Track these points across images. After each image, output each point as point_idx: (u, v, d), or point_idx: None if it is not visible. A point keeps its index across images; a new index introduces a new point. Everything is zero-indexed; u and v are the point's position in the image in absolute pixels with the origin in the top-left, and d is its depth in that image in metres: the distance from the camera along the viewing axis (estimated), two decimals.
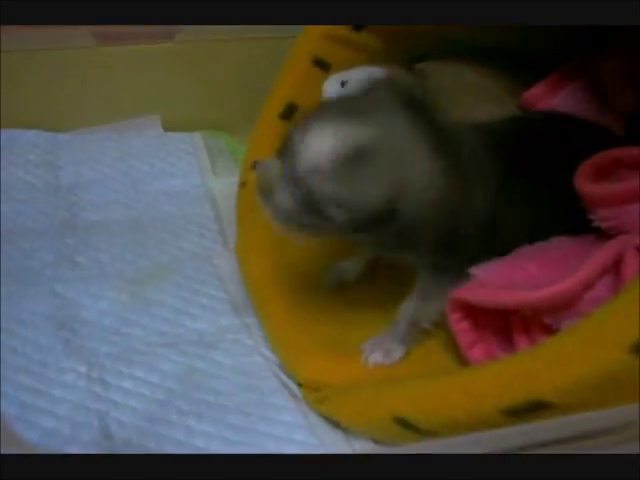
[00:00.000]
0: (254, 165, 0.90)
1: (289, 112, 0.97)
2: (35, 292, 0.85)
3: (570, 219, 0.73)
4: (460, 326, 0.70)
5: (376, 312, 0.80)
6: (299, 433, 0.71)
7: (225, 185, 1.08)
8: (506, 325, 0.72)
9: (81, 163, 1.12)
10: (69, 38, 1.11)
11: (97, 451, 0.67)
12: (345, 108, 0.65)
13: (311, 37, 0.99)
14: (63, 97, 1.16)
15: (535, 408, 0.55)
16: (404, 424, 0.63)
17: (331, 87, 0.95)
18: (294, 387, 0.76)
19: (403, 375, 0.71)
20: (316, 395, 0.73)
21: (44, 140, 1.15)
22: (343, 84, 0.94)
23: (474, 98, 0.98)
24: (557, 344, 0.58)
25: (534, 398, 0.55)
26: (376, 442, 0.70)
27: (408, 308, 0.74)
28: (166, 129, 1.20)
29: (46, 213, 1.03)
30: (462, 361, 0.72)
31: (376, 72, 0.93)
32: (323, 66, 0.99)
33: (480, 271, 0.69)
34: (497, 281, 0.68)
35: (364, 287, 0.85)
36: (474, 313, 0.70)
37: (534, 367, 0.57)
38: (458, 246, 0.70)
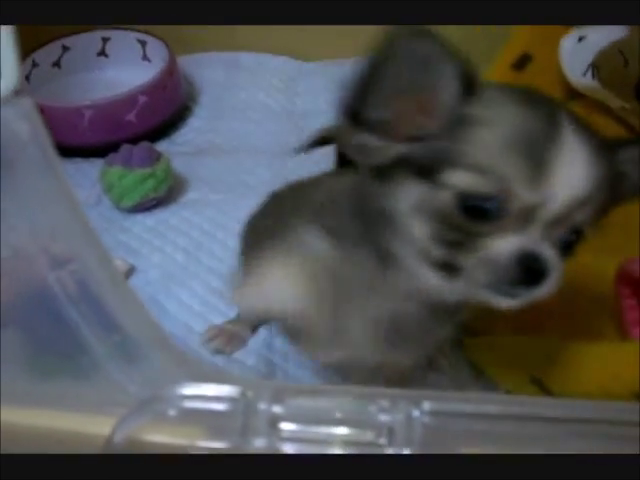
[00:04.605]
0: None
1: (522, 62, 0.93)
2: (246, 204, 0.80)
3: None
4: (629, 302, 0.67)
5: None
6: None
7: None
8: None
9: (319, 92, 1.15)
10: None
11: None
12: None
13: None
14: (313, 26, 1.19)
15: None
16: (540, 385, 0.63)
17: (567, 42, 0.91)
18: None
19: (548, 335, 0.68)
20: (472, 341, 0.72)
21: (290, 67, 1.22)
22: (580, 39, 0.89)
23: None
24: None
25: None
26: None
27: None
28: None
29: (274, 135, 1.09)
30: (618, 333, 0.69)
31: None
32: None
33: None
34: None
35: None
36: None
37: None
38: None
